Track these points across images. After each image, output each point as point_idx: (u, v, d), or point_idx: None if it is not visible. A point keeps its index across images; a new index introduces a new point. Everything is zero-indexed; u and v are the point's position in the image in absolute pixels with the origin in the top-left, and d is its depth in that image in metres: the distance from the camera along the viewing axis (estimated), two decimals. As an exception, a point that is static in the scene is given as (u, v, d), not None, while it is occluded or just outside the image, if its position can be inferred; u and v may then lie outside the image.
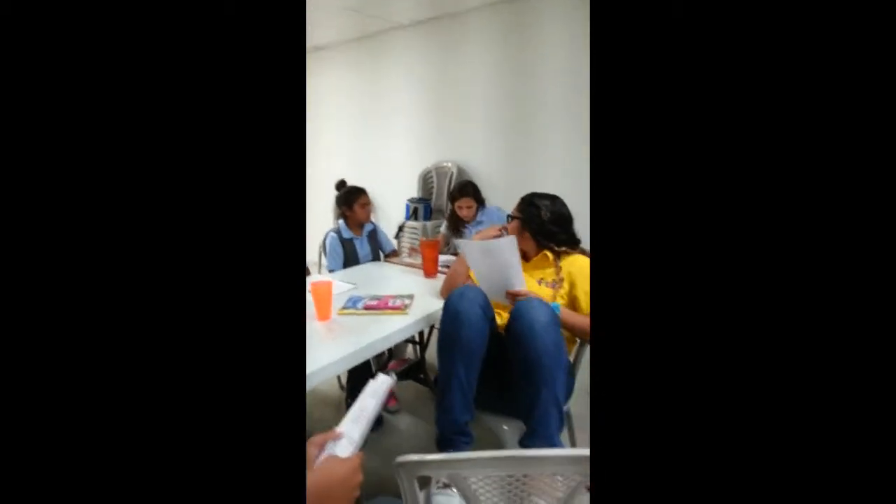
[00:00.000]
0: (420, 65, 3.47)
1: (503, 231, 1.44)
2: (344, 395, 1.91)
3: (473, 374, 1.12)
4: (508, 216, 1.44)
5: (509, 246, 1.20)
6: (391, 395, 1.90)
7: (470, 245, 1.32)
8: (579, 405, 1.30)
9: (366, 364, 1.39)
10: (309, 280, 1.69)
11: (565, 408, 1.17)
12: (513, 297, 1.21)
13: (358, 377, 1.72)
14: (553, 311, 1.09)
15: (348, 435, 0.60)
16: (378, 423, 1.78)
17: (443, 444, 1.11)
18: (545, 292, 1.30)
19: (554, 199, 1.38)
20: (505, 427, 1.18)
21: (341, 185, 2.11)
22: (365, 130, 3.98)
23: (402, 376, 1.84)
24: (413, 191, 3.50)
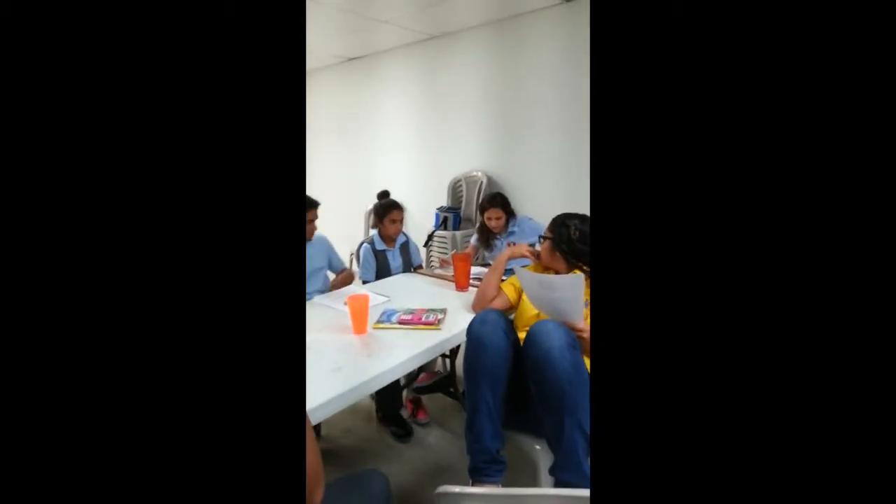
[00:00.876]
0: (456, 73, 3.49)
1: (533, 252, 1.47)
2: (374, 404, 1.93)
3: (500, 399, 1.11)
4: (540, 237, 1.44)
5: (573, 285, 1.13)
6: (420, 408, 1.92)
7: (527, 276, 1.28)
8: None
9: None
10: (345, 292, 1.73)
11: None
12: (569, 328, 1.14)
13: (387, 388, 1.73)
14: (568, 333, 1.06)
15: None
16: (407, 435, 1.79)
17: (475, 473, 1.10)
18: None
19: (583, 219, 1.38)
20: (537, 447, 1.17)
21: (384, 195, 2.14)
22: (395, 138, 4.04)
23: (431, 389, 1.84)
24: (442, 199, 3.52)
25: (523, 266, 1.43)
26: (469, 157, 3.45)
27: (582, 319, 1.16)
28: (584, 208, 1.48)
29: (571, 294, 1.14)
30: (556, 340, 1.03)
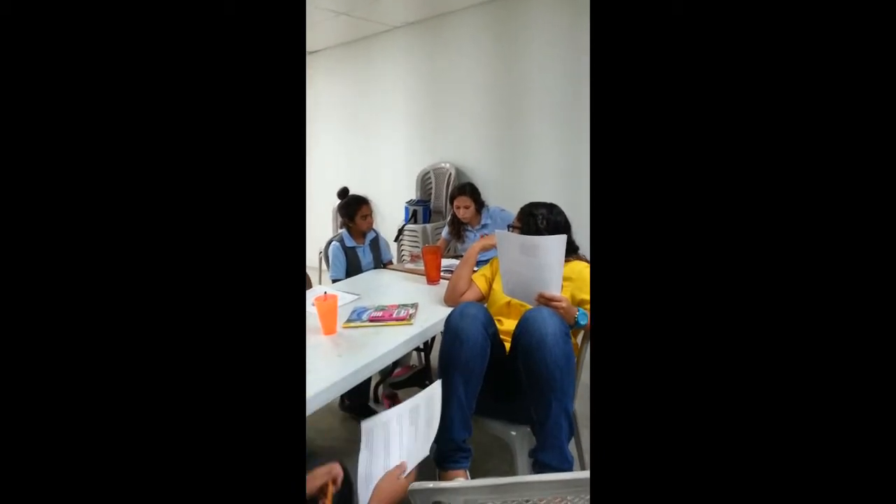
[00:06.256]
0: (415, 65, 3.46)
1: None
2: (346, 403, 1.92)
3: (473, 393, 1.12)
4: (509, 226, 1.45)
5: (557, 246, 1.13)
6: (397, 402, 1.91)
7: (509, 238, 1.26)
8: (582, 405, 1.31)
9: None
10: (311, 293, 1.69)
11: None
12: (545, 300, 1.15)
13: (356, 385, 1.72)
14: (562, 321, 1.08)
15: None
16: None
17: (441, 460, 1.12)
18: None
19: (551, 208, 1.40)
20: (513, 433, 1.19)
21: (343, 193, 2.10)
22: (362, 132, 3.98)
23: (407, 383, 1.84)
24: (411, 192, 3.50)
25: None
26: (438, 149, 3.44)
27: (559, 289, 1.17)
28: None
29: (554, 258, 1.15)
30: (550, 328, 1.05)
